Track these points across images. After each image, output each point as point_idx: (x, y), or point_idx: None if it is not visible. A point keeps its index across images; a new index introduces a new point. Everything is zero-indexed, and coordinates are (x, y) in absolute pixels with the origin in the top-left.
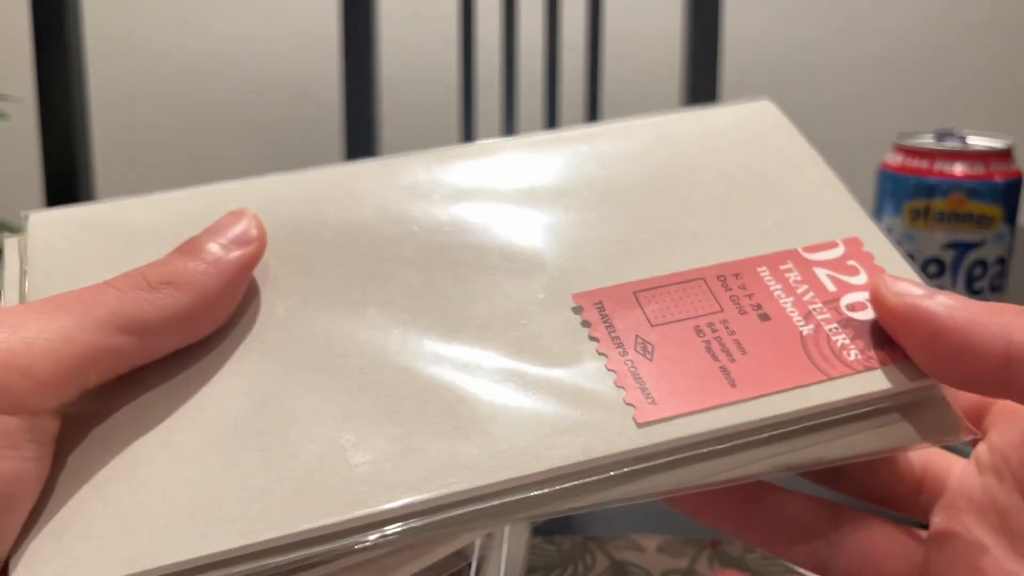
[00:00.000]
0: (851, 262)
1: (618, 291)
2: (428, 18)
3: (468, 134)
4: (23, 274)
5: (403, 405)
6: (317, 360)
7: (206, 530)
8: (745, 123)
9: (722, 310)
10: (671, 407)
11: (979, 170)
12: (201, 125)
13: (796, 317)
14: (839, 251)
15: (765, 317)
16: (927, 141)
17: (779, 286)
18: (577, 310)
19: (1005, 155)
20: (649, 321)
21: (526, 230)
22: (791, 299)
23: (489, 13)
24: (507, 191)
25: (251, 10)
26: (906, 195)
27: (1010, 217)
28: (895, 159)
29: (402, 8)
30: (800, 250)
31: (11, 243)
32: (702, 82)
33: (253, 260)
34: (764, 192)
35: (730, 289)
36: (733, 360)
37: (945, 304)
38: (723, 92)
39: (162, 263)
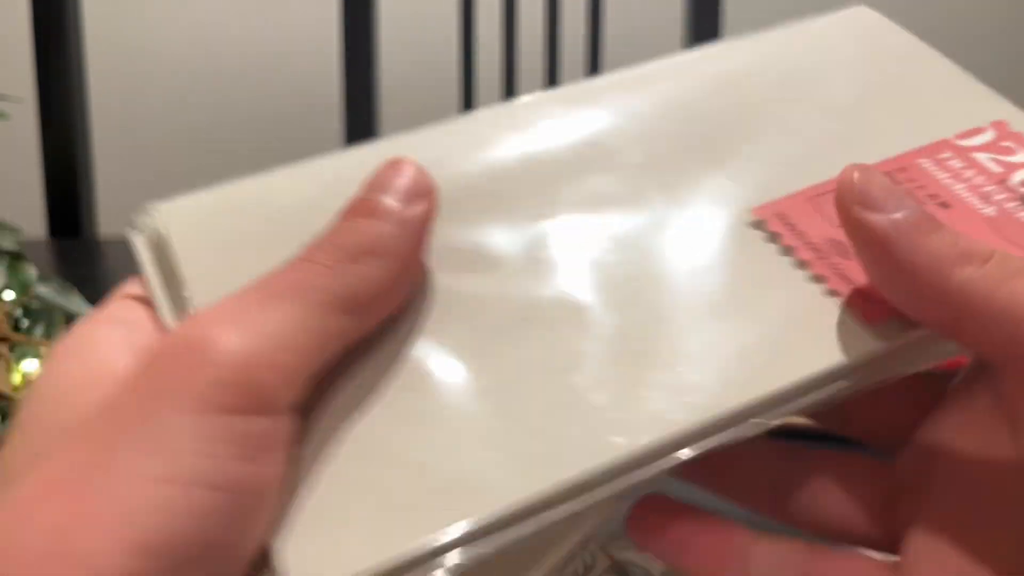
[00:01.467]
0: (1005, 143)
1: (793, 200)
2: (428, 18)
3: None
4: (172, 277)
5: (624, 346)
6: (512, 312)
7: (482, 493)
8: (850, 28)
9: None
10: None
11: None
12: (201, 125)
13: (975, 201)
14: (990, 135)
15: (945, 205)
16: None
17: (945, 174)
18: (759, 224)
19: None
20: (832, 223)
21: (678, 159)
22: (963, 185)
23: (489, 13)
24: (648, 124)
25: (251, 10)
26: None
27: None
28: None
29: (402, 8)
30: (952, 139)
31: (139, 240)
32: None
33: (433, 212)
34: (895, 90)
35: (900, 183)
36: None
37: (909, 235)
38: None
39: (348, 230)
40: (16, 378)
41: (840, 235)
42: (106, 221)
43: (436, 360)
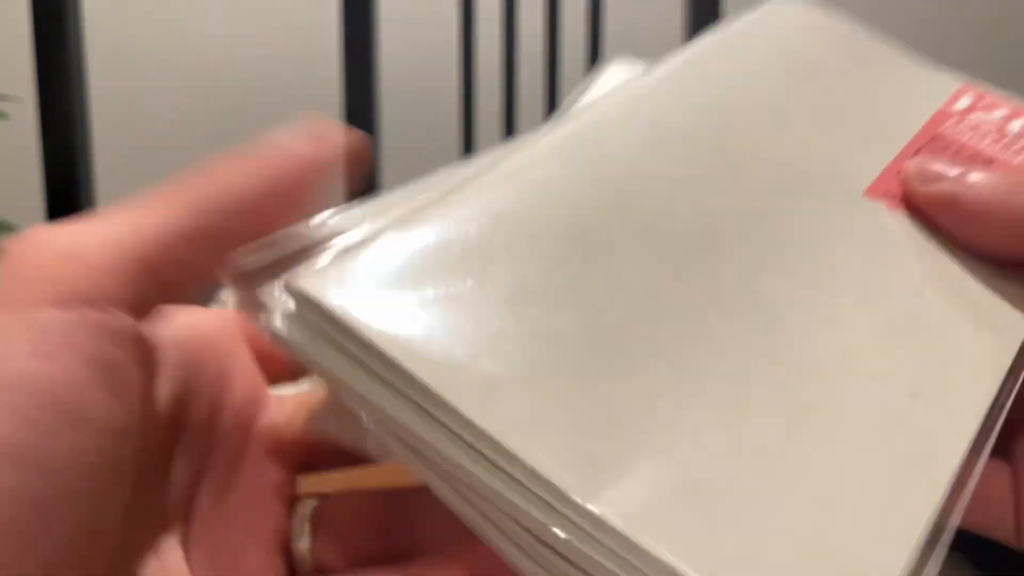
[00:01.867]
0: (983, 101)
1: (887, 176)
2: (428, 19)
3: (468, 135)
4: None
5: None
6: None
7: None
8: (791, 22)
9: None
10: None
11: None
12: (201, 125)
13: (1006, 154)
14: (969, 97)
15: (989, 161)
16: None
17: (968, 135)
18: (874, 210)
19: None
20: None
21: (766, 154)
22: (988, 141)
23: (489, 13)
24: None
25: (251, 10)
26: None
27: None
28: None
29: (402, 9)
30: (945, 107)
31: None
32: None
33: (323, 159)
34: (874, 72)
35: (945, 150)
36: None
37: (971, 185)
38: None
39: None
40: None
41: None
42: None
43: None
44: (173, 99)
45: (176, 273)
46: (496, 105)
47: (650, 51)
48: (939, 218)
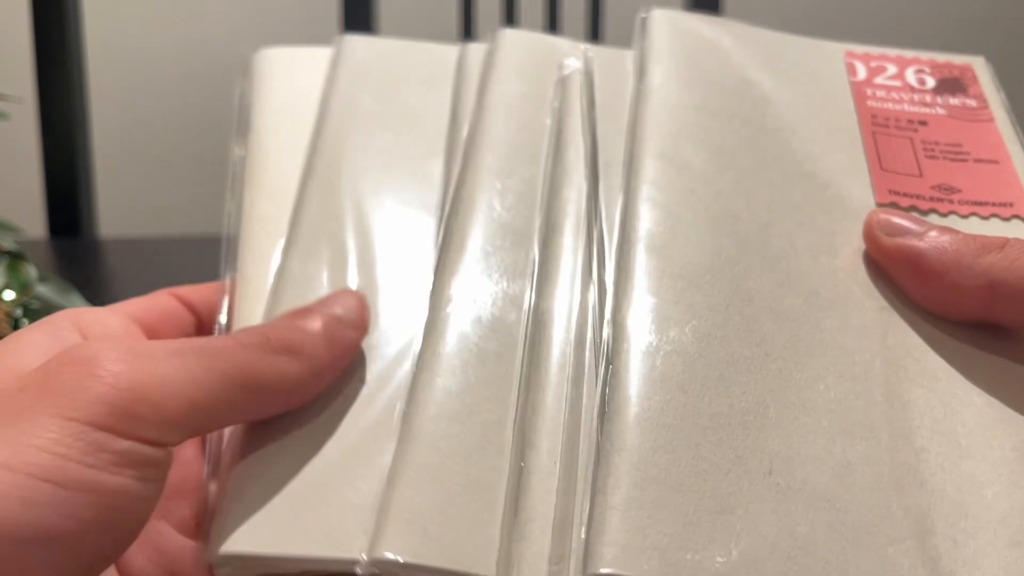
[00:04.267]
0: (873, 63)
1: (879, 182)
2: (428, 19)
3: None
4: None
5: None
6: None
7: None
8: (677, 35)
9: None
10: None
11: None
12: (201, 125)
13: (931, 110)
14: (862, 65)
15: (923, 123)
16: None
17: (891, 103)
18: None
19: None
20: (920, 165)
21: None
22: (907, 103)
23: (489, 13)
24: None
25: (251, 10)
26: None
27: None
28: None
29: (402, 8)
30: (856, 81)
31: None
32: None
33: (358, 344)
34: (782, 59)
35: (888, 127)
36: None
37: (935, 244)
38: None
39: (285, 327)
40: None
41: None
42: (106, 221)
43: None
44: (173, 99)
45: (208, 428)
46: None
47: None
48: (899, 276)
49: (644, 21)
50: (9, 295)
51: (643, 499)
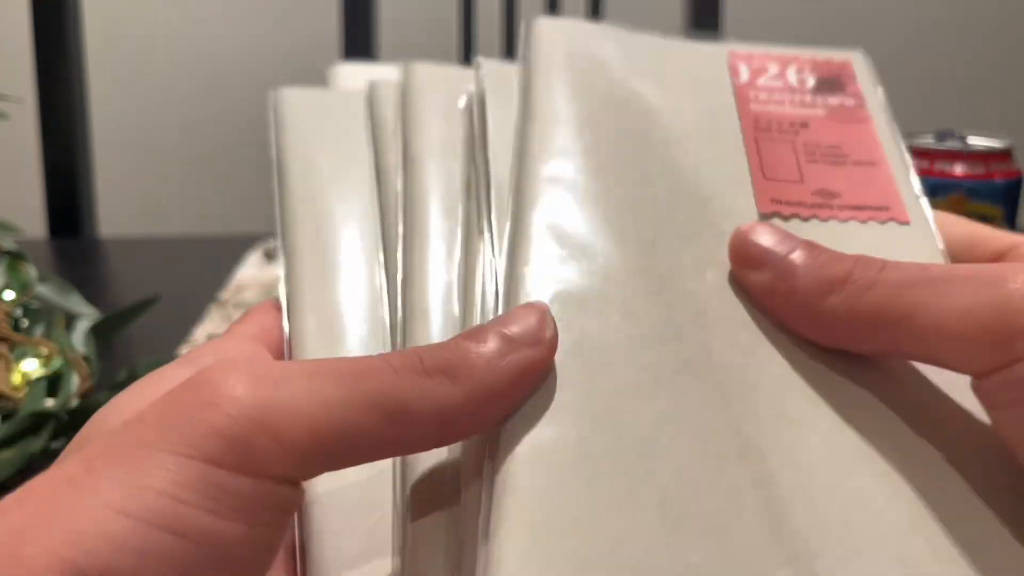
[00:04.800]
0: (756, 65)
1: (761, 192)
2: (428, 18)
3: None
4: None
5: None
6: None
7: None
8: (566, 49)
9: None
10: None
11: (979, 170)
12: (201, 125)
13: (811, 110)
14: (744, 66)
15: (804, 125)
16: (927, 141)
17: (773, 105)
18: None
19: (1005, 155)
20: (801, 170)
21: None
22: (788, 103)
23: (489, 13)
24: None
25: (251, 10)
26: None
27: (1010, 217)
28: None
29: (402, 8)
30: (738, 84)
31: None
32: None
33: (539, 364)
34: (664, 66)
35: (769, 131)
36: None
37: (786, 283)
38: None
39: (443, 347)
40: (16, 378)
41: (825, 183)
42: (106, 221)
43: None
44: (173, 99)
45: (345, 461)
46: None
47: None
48: (764, 308)
49: (527, 31)
50: (9, 295)
51: (535, 542)
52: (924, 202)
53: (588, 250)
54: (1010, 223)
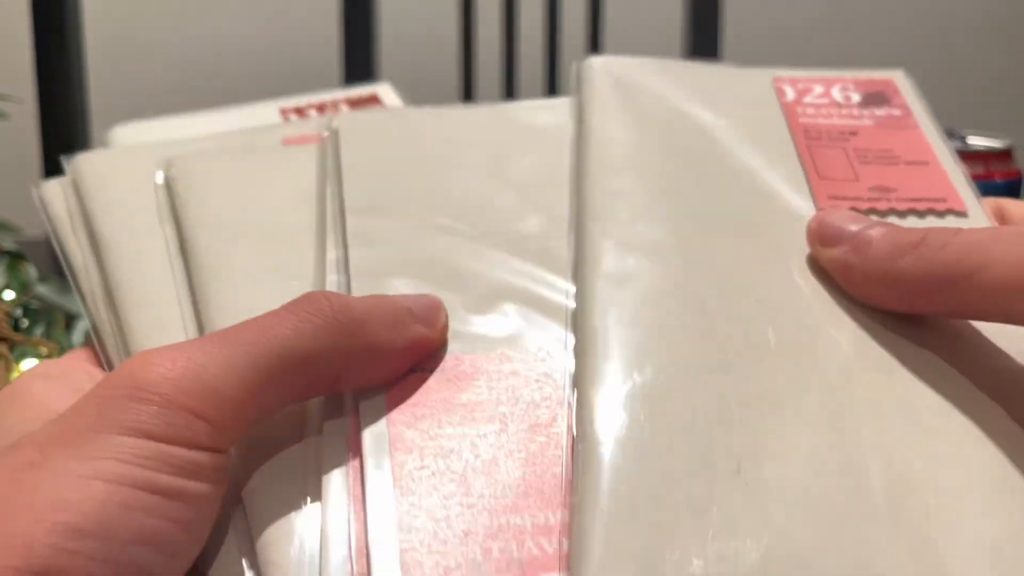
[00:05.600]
0: (800, 86)
1: (819, 191)
2: (428, 18)
3: None
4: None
5: None
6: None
7: None
8: (619, 89)
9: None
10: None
11: (979, 170)
12: None
13: (859, 121)
14: (790, 87)
15: (853, 133)
16: None
17: (823, 119)
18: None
19: (1005, 155)
20: (855, 170)
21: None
22: (836, 116)
23: (489, 13)
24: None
25: (251, 10)
26: None
27: None
28: None
29: (402, 8)
30: (785, 102)
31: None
32: None
33: (430, 344)
34: (708, 91)
35: (821, 140)
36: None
37: (861, 252)
38: None
39: (351, 298)
40: (16, 378)
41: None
42: None
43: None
44: (173, 99)
45: (264, 417)
46: None
47: (650, 51)
48: (838, 281)
49: (579, 69)
50: (9, 295)
51: (617, 513)
52: (979, 198)
53: (652, 253)
54: None
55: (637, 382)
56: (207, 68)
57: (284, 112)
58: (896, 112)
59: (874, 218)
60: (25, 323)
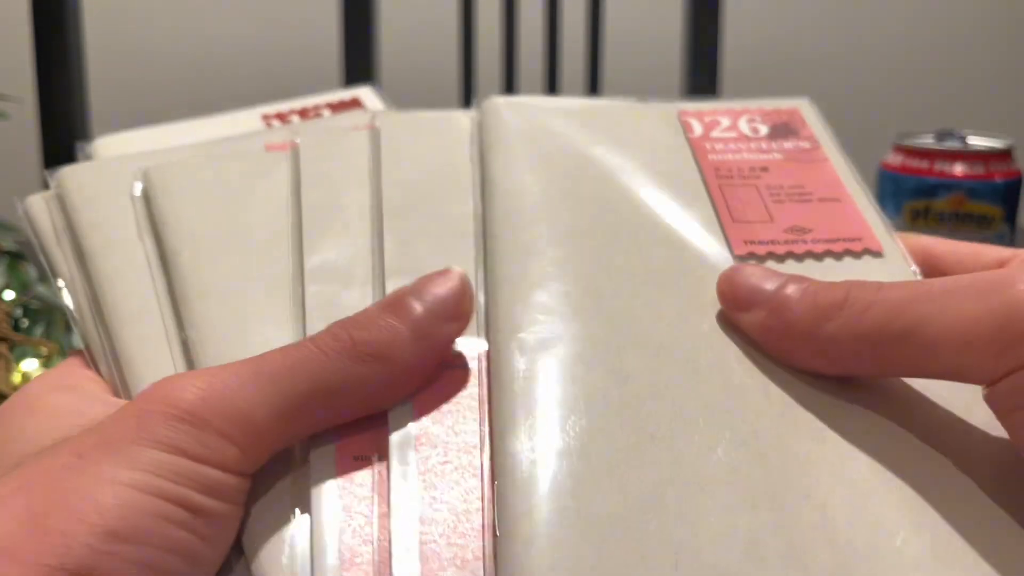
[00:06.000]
0: (708, 118)
1: (735, 237)
2: (428, 18)
3: None
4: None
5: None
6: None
7: None
8: (517, 127)
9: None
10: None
11: (979, 170)
12: None
13: (768, 156)
14: (696, 121)
15: (764, 169)
16: (927, 141)
17: (732, 155)
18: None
19: (1005, 155)
20: (769, 210)
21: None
22: (745, 151)
23: (489, 13)
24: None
25: (251, 10)
26: (906, 195)
27: (1010, 217)
28: (895, 159)
29: (402, 8)
30: (693, 138)
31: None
32: (702, 82)
33: (455, 337)
34: (615, 131)
35: (734, 177)
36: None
37: (780, 317)
38: (723, 92)
39: (369, 325)
40: (16, 378)
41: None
42: None
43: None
44: (172, 99)
45: (289, 443)
46: None
47: (650, 51)
48: (759, 345)
49: (481, 110)
50: (9, 295)
51: None
52: (893, 235)
53: (568, 314)
54: (1010, 223)
55: (562, 466)
56: (207, 69)
57: (266, 118)
58: (804, 144)
59: (789, 265)
60: (25, 323)
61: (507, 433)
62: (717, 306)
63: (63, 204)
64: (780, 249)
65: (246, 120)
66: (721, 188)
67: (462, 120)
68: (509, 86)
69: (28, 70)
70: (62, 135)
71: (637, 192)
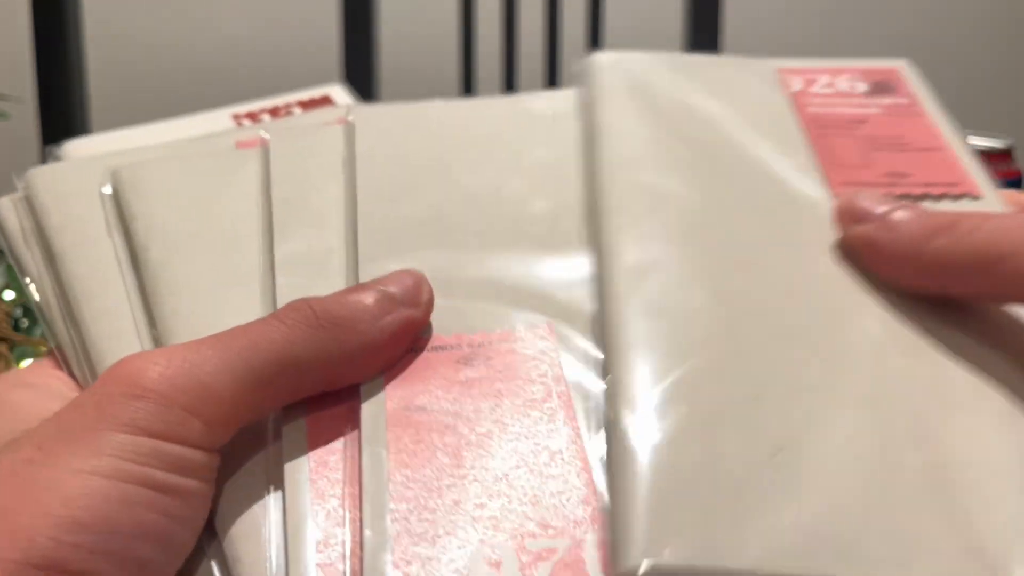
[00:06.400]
0: (808, 76)
1: (834, 179)
2: (428, 18)
3: None
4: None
5: None
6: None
7: None
8: (627, 82)
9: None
10: None
11: None
12: None
13: (866, 110)
14: (798, 79)
15: (861, 121)
16: None
17: (831, 108)
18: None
19: (1005, 155)
20: (867, 157)
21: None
22: (844, 106)
23: (489, 13)
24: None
25: (251, 10)
26: None
27: None
28: None
29: (402, 8)
30: (796, 92)
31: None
32: None
33: (417, 324)
34: (717, 84)
35: (835, 129)
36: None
37: (890, 231)
38: None
39: (333, 301)
40: None
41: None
42: None
43: None
44: (172, 99)
45: (256, 417)
46: None
47: (650, 50)
48: (864, 258)
49: (585, 65)
50: (9, 295)
51: (659, 493)
52: (992, 184)
53: (673, 240)
54: None
55: (669, 369)
56: (207, 69)
57: (237, 118)
58: (903, 100)
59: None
60: (25, 323)
61: (618, 338)
62: (817, 239)
63: (32, 205)
64: (878, 191)
65: (217, 120)
66: (819, 137)
67: (436, 111)
68: (509, 86)
69: (28, 70)
70: (62, 135)
71: (737, 137)
